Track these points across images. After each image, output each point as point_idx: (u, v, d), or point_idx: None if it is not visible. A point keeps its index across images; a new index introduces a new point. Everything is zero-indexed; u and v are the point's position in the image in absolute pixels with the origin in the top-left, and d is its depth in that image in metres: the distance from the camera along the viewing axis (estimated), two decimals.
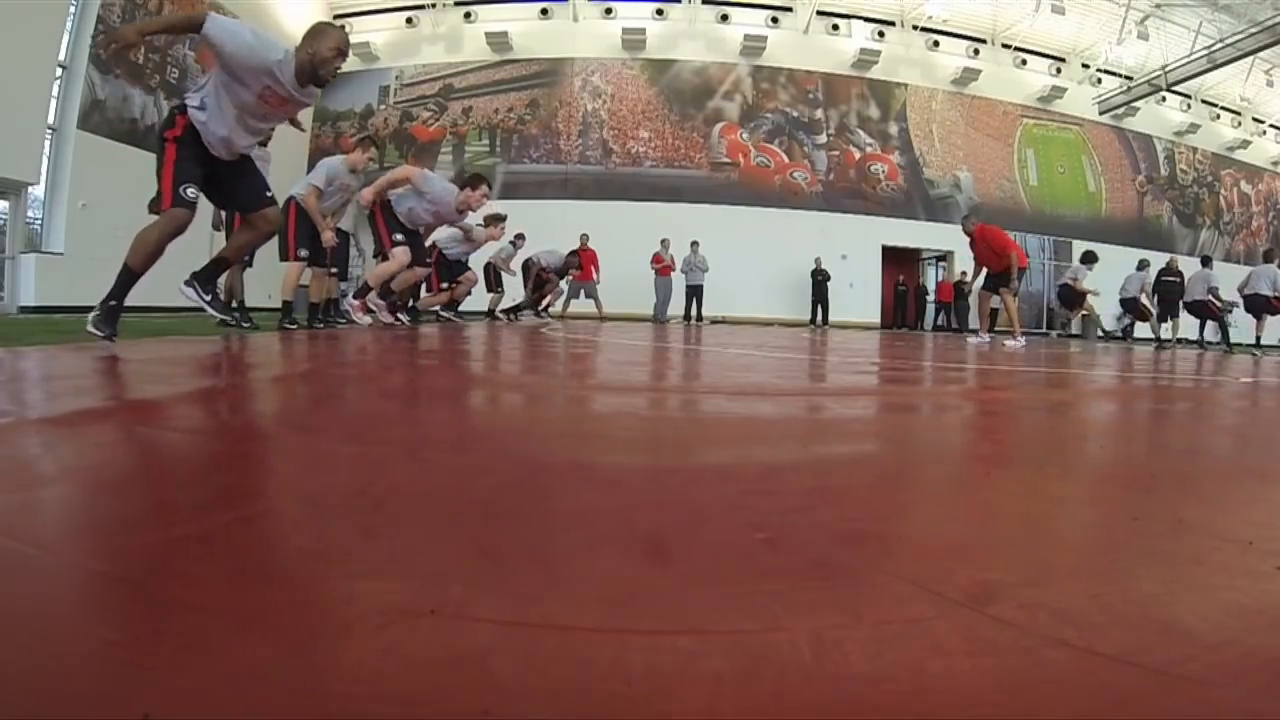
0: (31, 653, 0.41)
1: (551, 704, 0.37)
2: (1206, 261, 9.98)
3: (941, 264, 16.40)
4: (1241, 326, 9.99)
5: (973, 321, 9.58)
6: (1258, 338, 9.18)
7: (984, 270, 7.32)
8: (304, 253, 5.09)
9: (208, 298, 3.31)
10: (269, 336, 4.20)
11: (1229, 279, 10.33)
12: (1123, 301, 10.40)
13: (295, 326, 5.04)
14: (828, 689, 0.39)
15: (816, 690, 0.39)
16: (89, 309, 2.96)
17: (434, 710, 0.36)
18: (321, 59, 2.86)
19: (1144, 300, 10.09)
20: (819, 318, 13.06)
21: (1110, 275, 12.11)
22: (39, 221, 8.08)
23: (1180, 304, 9.99)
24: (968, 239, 7.33)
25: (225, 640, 0.44)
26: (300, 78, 2.85)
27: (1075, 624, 0.48)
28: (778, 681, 0.40)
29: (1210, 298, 9.49)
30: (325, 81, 2.95)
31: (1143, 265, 10.29)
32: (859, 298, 14.10)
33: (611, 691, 0.38)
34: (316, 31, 2.90)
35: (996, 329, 7.95)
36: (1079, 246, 15.64)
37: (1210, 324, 10.06)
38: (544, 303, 10.38)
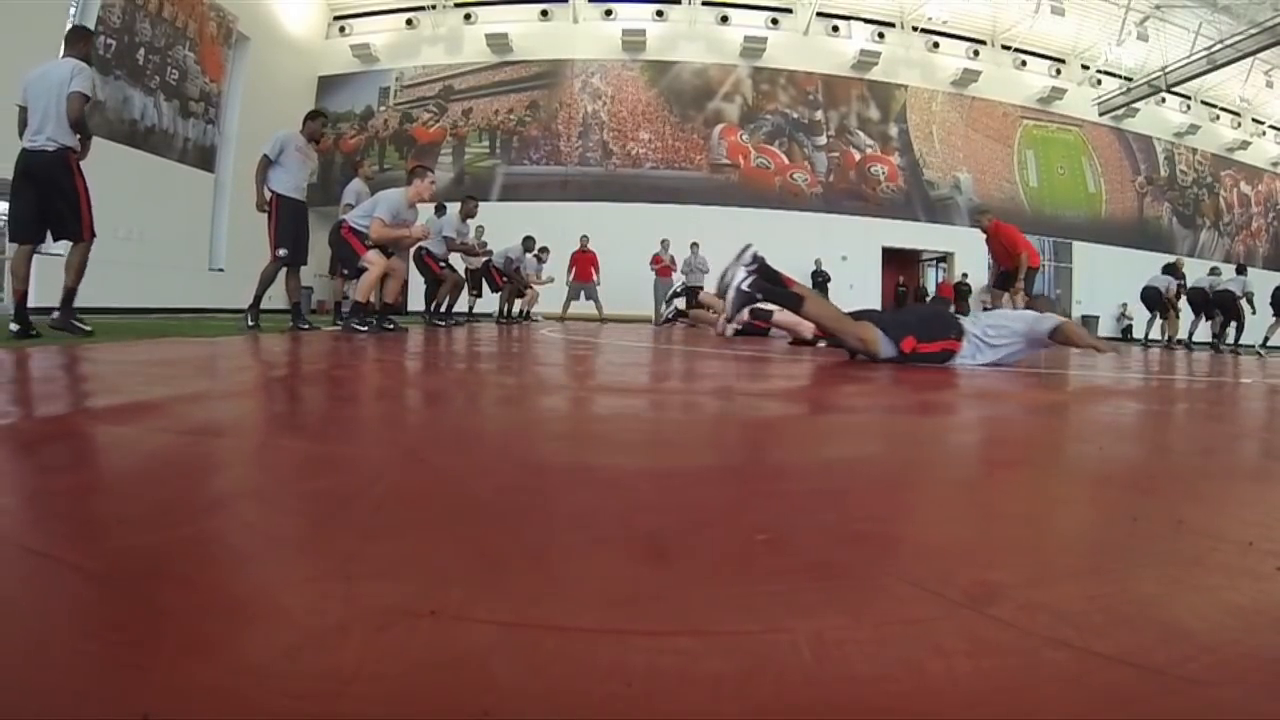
0: (32, 653, 0.41)
1: (551, 705, 0.37)
2: (1242, 270, 10.72)
3: (941, 265, 16.41)
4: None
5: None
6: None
7: (998, 269, 7.32)
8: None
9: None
10: (271, 338, 4.20)
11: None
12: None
13: (309, 327, 5.02)
14: (828, 690, 0.39)
15: (817, 691, 0.39)
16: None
17: (434, 711, 0.36)
18: None
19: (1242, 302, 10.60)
20: None
21: (1113, 277, 12.10)
22: None
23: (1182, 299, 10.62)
24: (983, 235, 7.32)
25: (224, 641, 0.44)
26: None
27: (1075, 625, 0.48)
28: (778, 682, 0.40)
29: (1243, 298, 10.19)
30: None
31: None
32: (859, 299, 14.07)
33: (612, 692, 0.38)
34: None
35: None
36: (1079, 248, 15.68)
37: (1207, 326, 10.68)
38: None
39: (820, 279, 13.15)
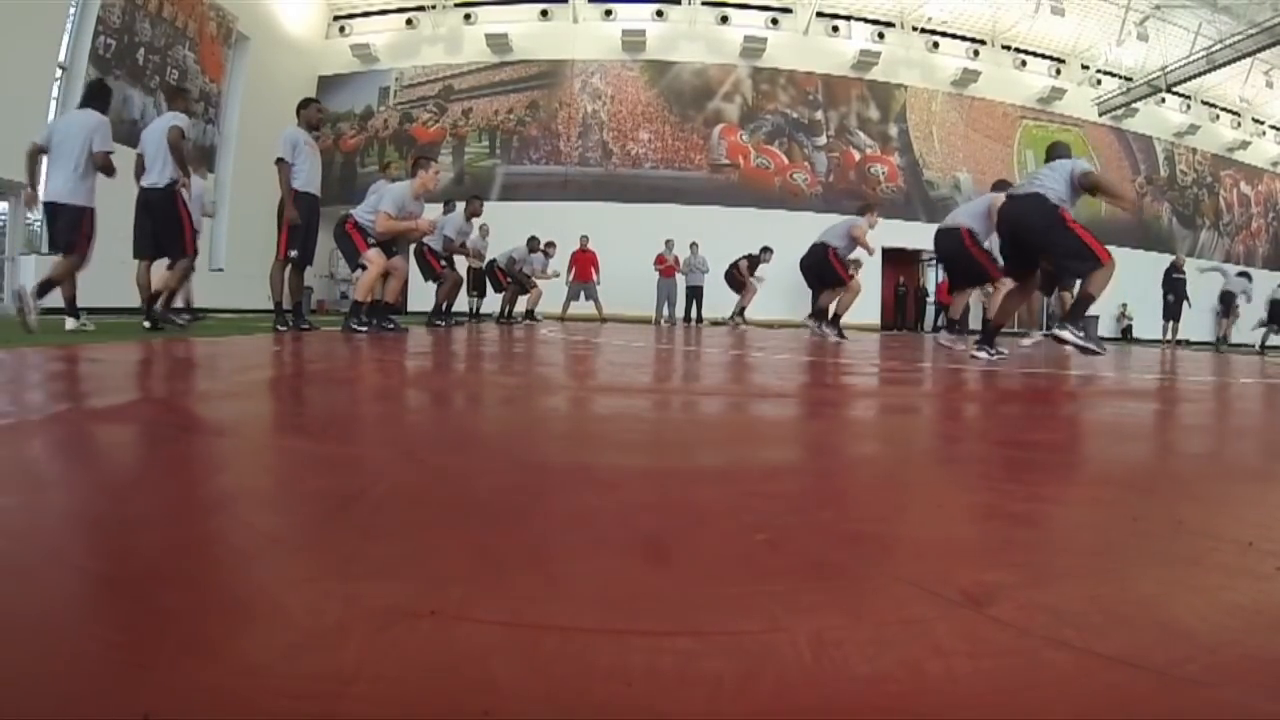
0: (32, 653, 0.41)
1: (552, 705, 0.37)
2: None
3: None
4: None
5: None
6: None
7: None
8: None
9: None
10: (271, 339, 4.20)
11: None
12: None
13: (309, 328, 4.99)
14: (828, 690, 0.39)
15: (816, 691, 0.39)
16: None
17: (434, 711, 0.36)
18: None
19: None
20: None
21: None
22: (38, 223, 8.07)
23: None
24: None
25: (225, 641, 0.44)
26: None
27: (1075, 625, 0.48)
28: (778, 682, 0.40)
29: None
30: None
31: None
32: (859, 299, 14.10)
33: (612, 692, 0.38)
34: None
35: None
36: None
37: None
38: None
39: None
